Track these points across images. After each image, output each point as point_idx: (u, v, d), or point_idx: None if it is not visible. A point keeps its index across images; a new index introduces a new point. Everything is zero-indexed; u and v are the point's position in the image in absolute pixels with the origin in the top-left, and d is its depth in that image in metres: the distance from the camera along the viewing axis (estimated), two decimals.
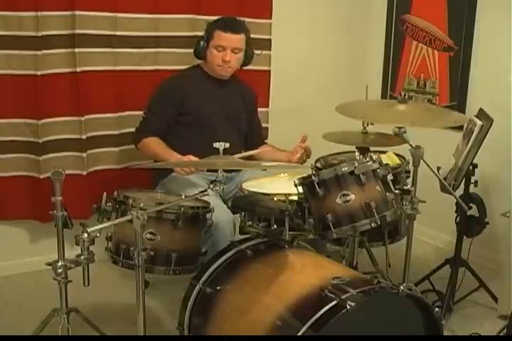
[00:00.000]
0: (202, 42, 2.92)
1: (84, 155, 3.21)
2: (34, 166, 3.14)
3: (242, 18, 2.98)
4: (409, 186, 2.27)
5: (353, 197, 2.15)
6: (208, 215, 2.40)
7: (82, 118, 3.17)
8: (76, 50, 3.08)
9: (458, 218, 2.89)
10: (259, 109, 3.28)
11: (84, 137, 3.19)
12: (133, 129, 3.03)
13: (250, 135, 3.14)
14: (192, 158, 2.61)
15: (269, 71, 3.61)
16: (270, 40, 3.56)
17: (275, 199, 2.36)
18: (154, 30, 3.26)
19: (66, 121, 3.16)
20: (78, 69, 3.10)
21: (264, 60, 3.47)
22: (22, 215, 3.24)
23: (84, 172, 3.23)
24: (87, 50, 3.11)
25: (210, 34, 2.90)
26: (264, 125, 3.51)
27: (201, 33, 3.19)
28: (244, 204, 2.42)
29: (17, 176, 3.16)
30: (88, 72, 3.14)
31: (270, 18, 3.55)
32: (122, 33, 3.19)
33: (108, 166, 3.32)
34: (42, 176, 3.13)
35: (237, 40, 2.90)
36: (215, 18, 3.18)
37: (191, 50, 3.32)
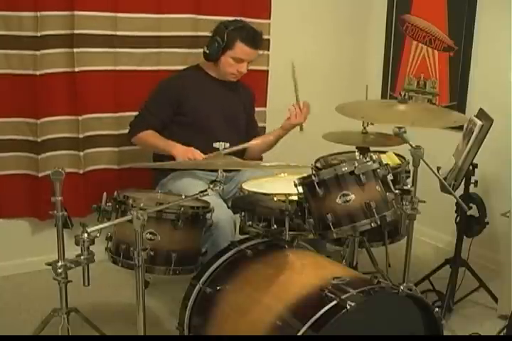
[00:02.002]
0: (217, 46, 2.85)
1: (81, 154, 3.22)
2: (33, 165, 3.15)
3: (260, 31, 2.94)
4: (409, 186, 2.27)
5: (353, 197, 2.15)
6: (208, 215, 2.40)
7: (80, 118, 3.18)
8: (74, 50, 3.08)
9: (458, 218, 2.89)
10: (257, 109, 3.29)
11: (81, 136, 3.20)
12: None
13: (246, 133, 3.15)
14: (197, 151, 2.64)
15: (267, 71, 3.61)
16: (269, 40, 3.56)
17: (275, 199, 2.36)
18: (155, 30, 3.26)
19: (64, 120, 3.17)
20: (76, 69, 3.10)
21: (262, 59, 3.48)
22: (21, 213, 3.25)
23: (81, 171, 3.24)
24: (85, 50, 3.11)
25: (231, 43, 2.83)
26: (261, 124, 3.52)
27: (202, 33, 3.19)
28: (244, 204, 2.42)
29: (16, 174, 3.16)
30: (87, 71, 3.14)
31: (269, 18, 3.55)
32: (123, 33, 3.19)
33: (106, 166, 3.32)
34: (40, 174, 3.14)
35: (256, 53, 2.92)
36: (216, 18, 3.19)
37: (193, 50, 3.33)
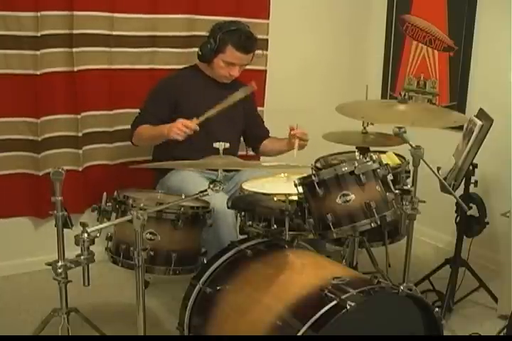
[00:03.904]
0: (209, 49, 2.85)
1: (80, 152, 3.24)
2: (33, 164, 3.16)
3: (255, 35, 2.93)
4: (409, 186, 2.27)
5: (353, 197, 2.15)
6: (208, 215, 2.40)
7: (79, 116, 3.19)
8: (73, 49, 3.09)
9: (458, 218, 2.89)
10: None
11: (80, 134, 3.22)
12: (127, 126, 3.04)
13: (255, 130, 3.16)
14: (181, 121, 2.64)
15: (265, 71, 3.62)
16: (267, 40, 3.56)
17: (275, 199, 2.36)
18: (151, 30, 3.27)
19: (63, 119, 3.18)
20: (75, 69, 3.12)
21: (260, 59, 3.48)
22: (22, 212, 3.26)
23: (80, 168, 3.27)
24: (84, 50, 3.12)
25: (222, 46, 2.83)
26: None
27: (198, 33, 3.19)
28: (244, 204, 2.42)
29: (17, 174, 3.17)
30: (86, 71, 3.15)
31: (267, 18, 3.56)
32: (119, 33, 3.20)
33: (102, 162, 3.35)
34: (41, 173, 3.16)
35: (248, 58, 2.91)
36: (213, 18, 3.19)
37: (188, 50, 3.34)
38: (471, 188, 2.81)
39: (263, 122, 3.28)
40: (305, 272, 2.18)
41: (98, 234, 1.93)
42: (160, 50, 3.32)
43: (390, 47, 3.95)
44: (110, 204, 2.34)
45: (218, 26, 2.87)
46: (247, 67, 3.06)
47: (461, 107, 3.50)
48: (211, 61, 2.90)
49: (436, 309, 2.05)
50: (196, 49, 2.96)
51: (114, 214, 2.35)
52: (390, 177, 2.22)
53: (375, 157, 2.24)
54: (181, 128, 2.64)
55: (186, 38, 3.34)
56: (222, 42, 2.83)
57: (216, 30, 2.85)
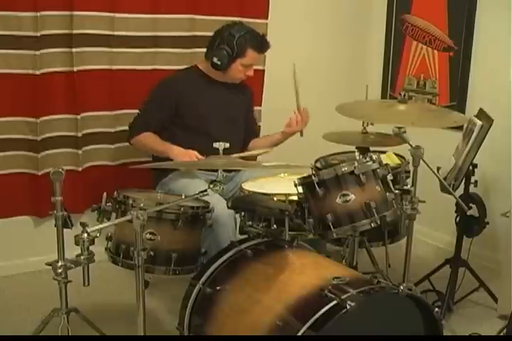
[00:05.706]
0: (228, 55, 2.83)
1: (80, 152, 3.24)
2: (33, 163, 3.16)
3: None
4: (409, 186, 2.28)
5: (352, 197, 2.15)
6: (208, 215, 2.40)
7: (78, 117, 3.19)
8: (73, 49, 3.09)
9: (458, 218, 2.89)
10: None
11: (80, 135, 3.22)
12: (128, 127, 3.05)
13: (245, 132, 3.15)
14: (195, 153, 2.66)
15: (263, 70, 3.62)
16: None
17: (275, 199, 2.36)
18: (152, 30, 3.27)
19: (63, 119, 3.18)
20: (75, 69, 3.12)
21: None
22: (21, 211, 3.26)
23: (80, 169, 3.27)
24: (84, 50, 3.12)
25: (242, 51, 2.83)
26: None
27: (199, 33, 3.18)
28: (244, 204, 2.42)
29: (15, 174, 3.18)
30: (85, 71, 3.16)
31: (266, 18, 3.56)
32: (120, 33, 3.20)
33: (103, 162, 3.35)
34: (40, 173, 3.16)
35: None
36: (214, 18, 3.19)
37: (189, 50, 3.34)
38: (471, 188, 2.82)
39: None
40: (305, 272, 2.17)
41: (98, 234, 1.93)
42: (162, 51, 3.32)
43: (390, 47, 3.95)
44: (110, 204, 2.35)
45: (227, 31, 2.85)
46: None
47: (461, 107, 3.50)
48: (228, 67, 2.88)
49: (436, 309, 2.05)
50: (198, 49, 2.96)
51: (114, 214, 2.35)
52: (390, 177, 2.22)
53: (375, 157, 2.24)
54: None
55: (188, 38, 3.34)
56: (240, 46, 2.82)
57: (227, 36, 2.83)
